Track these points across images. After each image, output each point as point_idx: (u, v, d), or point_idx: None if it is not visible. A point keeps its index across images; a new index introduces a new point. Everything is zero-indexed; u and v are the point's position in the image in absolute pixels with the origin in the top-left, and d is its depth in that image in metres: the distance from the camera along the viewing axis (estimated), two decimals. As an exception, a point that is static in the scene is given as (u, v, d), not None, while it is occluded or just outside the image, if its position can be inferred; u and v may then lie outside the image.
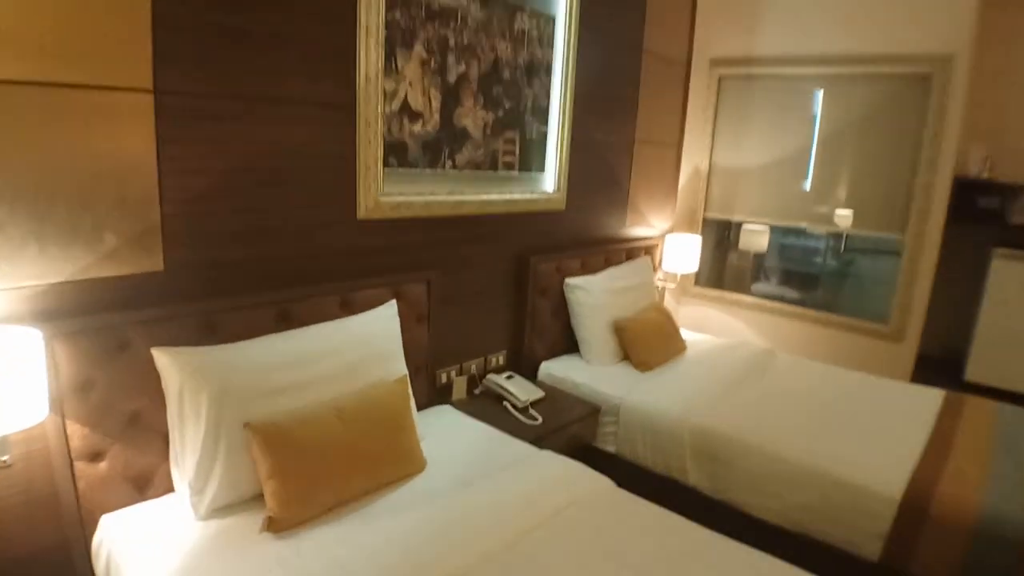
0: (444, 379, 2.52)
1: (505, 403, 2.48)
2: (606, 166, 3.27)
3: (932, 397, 2.75)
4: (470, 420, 2.24)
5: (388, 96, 2.08)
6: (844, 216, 3.56)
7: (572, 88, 2.82)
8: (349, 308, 2.03)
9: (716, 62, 3.77)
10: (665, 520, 1.74)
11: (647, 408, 2.49)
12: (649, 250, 3.61)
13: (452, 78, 2.28)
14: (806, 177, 3.64)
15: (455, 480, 1.83)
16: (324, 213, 2.01)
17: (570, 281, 2.90)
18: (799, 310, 3.77)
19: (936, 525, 1.92)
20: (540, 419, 2.38)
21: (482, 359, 2.70)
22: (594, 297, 2.90)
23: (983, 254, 3.63)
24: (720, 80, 3.79)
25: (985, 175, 3.55)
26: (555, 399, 2.57)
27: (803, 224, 3.80)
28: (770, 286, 4.31)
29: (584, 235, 3.19)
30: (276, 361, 1.70)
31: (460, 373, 2.59)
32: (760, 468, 2.23)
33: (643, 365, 2.87)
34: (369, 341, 1.95)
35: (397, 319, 2.08)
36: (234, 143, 1.75)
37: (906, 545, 1.96)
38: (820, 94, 3.54)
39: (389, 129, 2.11)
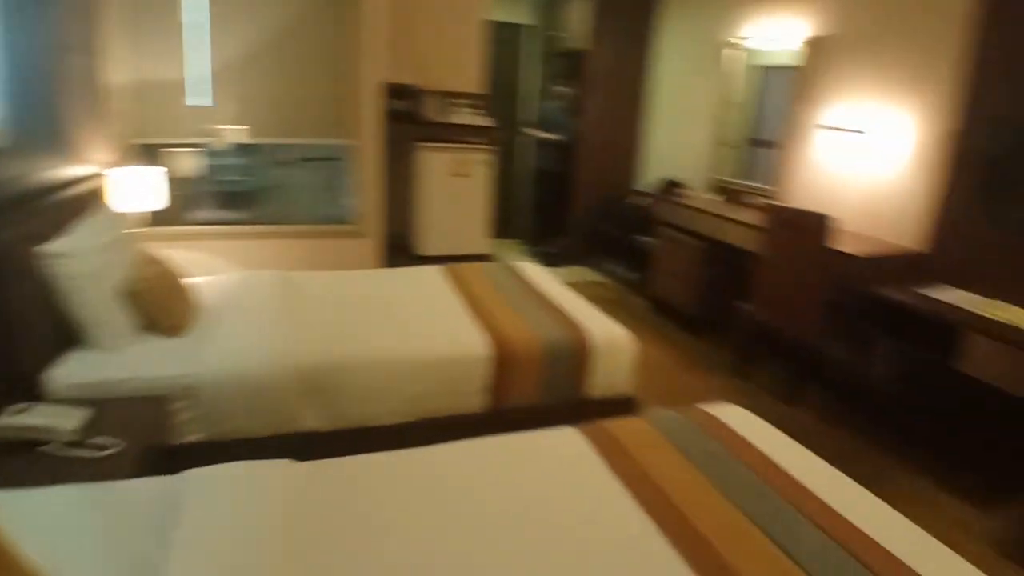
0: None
1: (45, 448, 1.78)
2: (44, 80, 2.46)
3: (435, 272, 3.39)
4: (26, 495, 1.53)
5: None
6: (286, 127, 3.76)
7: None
8: None
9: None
10: (387, 465, 1.72)
11: (235, 371, 2.21)
12: (99, 192, 2.96)
13: None
14: (239, 92, 3.62)
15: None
16: None
17: (46, 250, 2.16)
18: (270, 228, 3.85)
19: (519, 364, 2.51)
20: (117, 442, 1.82)
21: (-49, 403, 1.81)
22: (86, 263, 2.25)
23: (411, 149, 4.47)
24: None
25: (407, 81, 4.29)
26: (106, 411, 1.97)
27: (238, 141, 3.80)
28: (220, 211, 4.18)
29: (25, 185, 2.37)
30: None
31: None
32: (370, 381, 2.36)
33: (175, 329, 2.47)
34: None
35: None
36: None
37: (502, 389, 2.50)
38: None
39: None
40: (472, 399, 2.49)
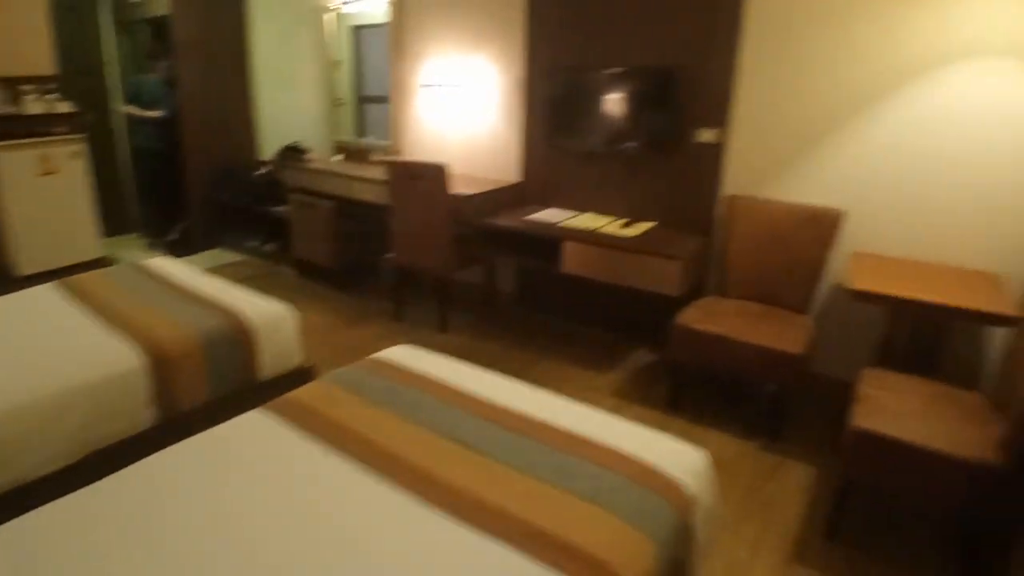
0: None
1: None
2: None
3: (48, 292, 2.99)
4: None
5: None
6: None
7: None
8: None
9: None
10: (69, 510, 1.59)
11: None
12: None
13: None
14: None
15: None
16: None
17: None
18: None
19: (179, 366, 2.45)
20: None
21: None
22: None
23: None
24: None
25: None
26: None
27: None
28: None
29: None
30: None
31: None
32: (9, 432, 2.07)
33: None
34: None
35: None
36: None
37: (169, 396, 2.43)
38: None
39: None
40: (139, 417, 2.36)
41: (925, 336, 2.72)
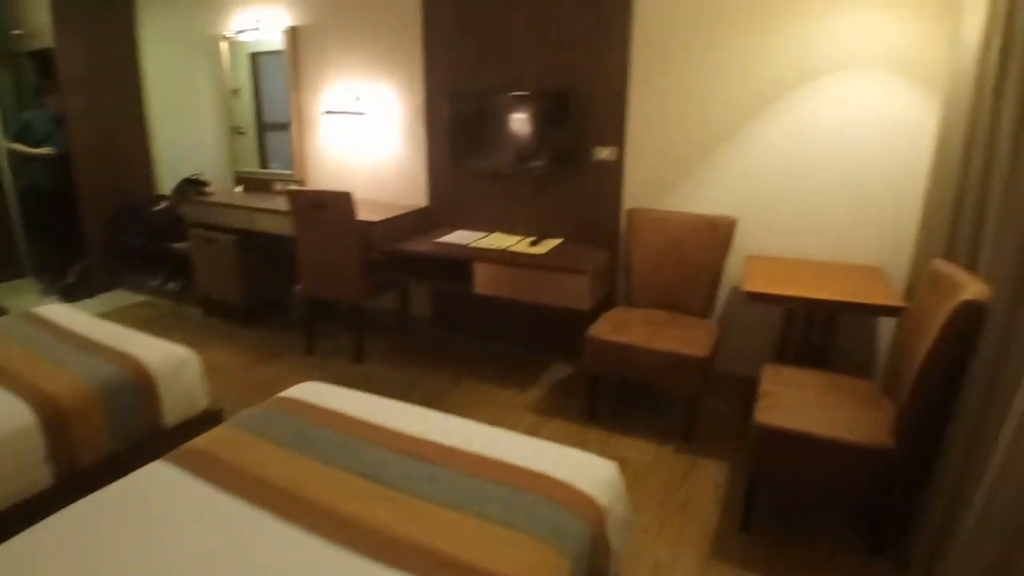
0: None
1: None
2: None
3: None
4: None
5: None
6: None
7: None
8: None
9: None
10: None
11: None
12: None
13: None
14: None
15: None
16: None
17: None
18: None
19: (75, 420, 2.32)
20: None
21: None
22: None
23: None
24: None
25: None
26: None
27: None
28: None
29: None
30: None
31: None
32: None
33: None
34: None
35: None
36: None
37: (66, 453, 2.29)
38: None
39: None
40: (35, 477, 2.20)
41: (818, 330, 2.89)
